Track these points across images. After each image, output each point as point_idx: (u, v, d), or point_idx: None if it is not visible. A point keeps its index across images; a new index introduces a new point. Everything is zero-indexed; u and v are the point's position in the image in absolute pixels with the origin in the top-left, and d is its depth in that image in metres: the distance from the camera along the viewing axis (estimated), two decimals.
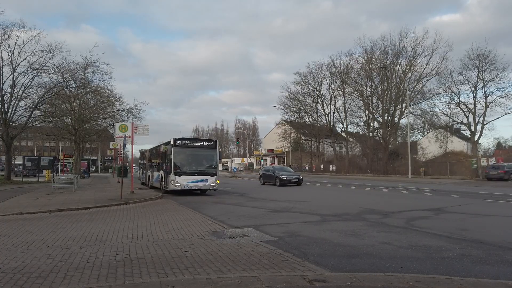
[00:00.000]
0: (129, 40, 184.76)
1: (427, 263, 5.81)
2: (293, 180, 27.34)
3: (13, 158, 40.91)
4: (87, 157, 68.52)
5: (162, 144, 20.95)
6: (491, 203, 14.79)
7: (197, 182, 18.28)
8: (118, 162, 41.69)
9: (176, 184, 17.99)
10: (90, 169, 62.26)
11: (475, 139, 41.90)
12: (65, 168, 46.05)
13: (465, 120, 42.66)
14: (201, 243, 7.05)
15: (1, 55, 29.04)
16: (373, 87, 52.31)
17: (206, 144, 19.59)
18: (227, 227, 9.00)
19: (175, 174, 18.04)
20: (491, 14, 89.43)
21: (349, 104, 56.19)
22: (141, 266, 5.40)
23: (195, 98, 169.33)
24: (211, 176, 18.67)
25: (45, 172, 36.04)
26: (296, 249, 6.65)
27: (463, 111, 42.34)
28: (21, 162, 39.39)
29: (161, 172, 20.60)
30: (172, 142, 18.34)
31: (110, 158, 71.86)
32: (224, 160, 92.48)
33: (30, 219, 10.81)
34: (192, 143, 19.46)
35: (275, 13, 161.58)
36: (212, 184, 18.62)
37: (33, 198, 16.90)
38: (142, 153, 31.08)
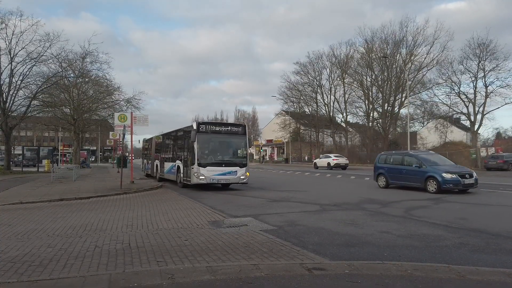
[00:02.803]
0: (130, 28, 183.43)
1: (426, 251, 5.84)
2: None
3: (12, 148, 40.91)
4: (86, 147, 68.42)
5: (181, 129, 18.17)
6: (490, 193, 14.83)
7: (224, 174, 15.50)
8: (118, 152, 41.71)
9: (200, 177, 15.11)
10: (90, 159, 62.29)
11: (475, 129, 41.87)
12: (64, 158, 46.11)
13: (465, 110, 42.58)
14: (201, 232, 7.08)
15: None
16: (373, 77, 52.09)
17: (234, 129, 16.62)
18: (227, 217, 9.04)
19: (199, 165, 15.18)
20: (497, 2, 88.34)
21: (349, 94, 56.03)
22: (141, 255, 5.42)
23: (196, 88, 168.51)
24: (240, 167, 15.84)
25: (44, 162, 36.06)
26: (295, 238, 6.68)
27: (463, 101, 42.23)
28: (20, 152, 39.37)
29: (178, 163, 17.82)
30: (195, 127, 15.44)
31: (110, 148, 71.99)
32: None
33: (30, 208, 10.84)
34: (218, 128, 16.31)
35: (278, 1, 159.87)
36: (241, 177, 15.75)
37: (33, 188, 16.94)
38: (147, 141, 28.53)
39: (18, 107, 31.56)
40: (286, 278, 4.30)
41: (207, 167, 15.26)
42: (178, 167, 17.68)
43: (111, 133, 33.01)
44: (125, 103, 36.68)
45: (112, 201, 12.49)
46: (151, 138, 25.81)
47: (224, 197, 13.61)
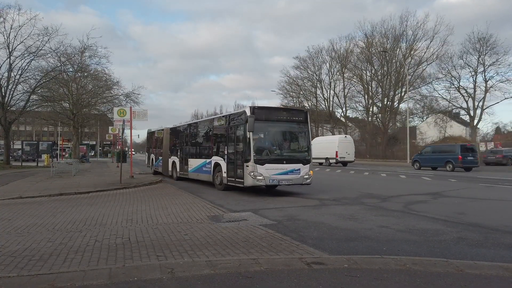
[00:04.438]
0: (129, 22, 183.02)
1: (424, 246, 5.87)
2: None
3: (12, 143, 40.89)
4: (86, 142, 68.44)
5: (222, 116, 14.68)
6: (489, 187, 14.88)
7: (286, 173, 12.21)
8: (117, 147, 41.69)
9: (258, 178, 11.76)
10: (89, 154, 62.31)
11: (474, 124, 41.94)
12: (64, 153, 46.10)
13: (464, 105, 42.68)
14: (201, 227, 7.10)
15: None
16: (372, 71, 52.04)
17: (295, 116, 13.15)
18: (226, 211, 9.06)
19: (256, 162, 11.82)
20: None
21: (349, 89, 56.02)
22: (141, 249, 5.44)
23: (196, 83, 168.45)
24: (304, 164, 12.59)
25: (44, 156, 36.06)
26: (294, 232, 6.70)
27: (463, 96, 42.29)
28: (20, 146, 39.37)
29: (216, 160, 14.31)
30: (248, 113, 12.06)
31: (109, 143, 71.92)
32: None
33: (30, 203, 10.85)
34: (277, 115, 12.96)
35: None
36: (305, 177, 12.48)
37: (33, 182, 16.95)
38: (154, 133, 24.57)
39: (17, 102, 31.56)
40: (286, 273, 4.32)
41: (266, 165, 11.89)
42: (216, 164, 14.26)
43: (110, 127, 32.93)
44: (124, 98, 36.66)
45: (112, 196, 12.50)
46: (162, 130, 22.22)
47: (223, 191, 13.61)
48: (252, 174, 11.79)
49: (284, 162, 12.33)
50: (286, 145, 13.03)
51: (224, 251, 5.33)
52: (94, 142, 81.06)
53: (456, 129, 51.15)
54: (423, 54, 47.26)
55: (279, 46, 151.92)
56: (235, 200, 11.17)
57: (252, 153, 11.81)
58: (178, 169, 18.67)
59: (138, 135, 50.33)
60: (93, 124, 52.94)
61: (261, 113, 12.35)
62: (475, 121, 41.69)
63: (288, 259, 4.87)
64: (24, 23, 28.45)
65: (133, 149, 37.37)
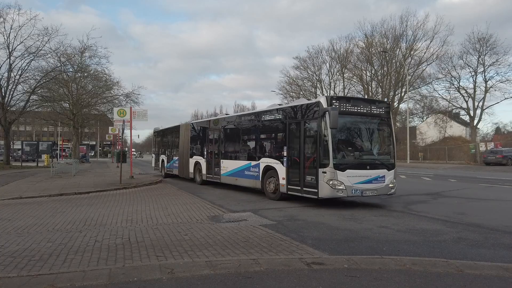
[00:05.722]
0: (130, 22, 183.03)
1: (424, 246, 5.87)
2: None
3: (12, 143, 40.89)
4: (86, 142, 68.42)
5: (280, 108, 11.75)
6: (489, 188, 14.88)
7: (370, 181, 9.77)
8: (117, 147, 41.68)
9: (338, 188, 9.33)
10: (89, 154, 62.30)
11: (474, 124, 41.95)
12: (64, 153, 46.12)
13: (464, 105, 42.68)
14: (200, 227, 7.10)
15: None
16: (372, 71, 52.00)
17: (378, 108, 10.57)
18: (226, 211, 9.06)
19: (337, 167, 9.37)
20: None
21: (349, 89, 55.87)
22: (140, 250, 5.44)
23: (196, 83, 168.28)
24: (388, 169, 10.20)
25: (44, 157, 36.08)
26: (294, 232, 6.70)
27: (463, 96, 42.30)
28: (20, 147, 39.38)
29: (268, 162, 11.65)
30: (324, 104, 9.59)
31: (109, 143, 71.92)
32: None
33: (30, 203, 10.85)
34: (358, 107, 10.19)
35: None
36: (390, 185, 10.13)
37: (33, 182, 16.95)
38: (162, 131, 22.32)
39: (17, 102, 31.64)
40: (285, 273, 4.33)
41: (347, 171, 9.46)
42: (268, 168, 11.62)
43: (110, 128, 32.95)
44: (124, 98, 36.70)
45: (112, 196, 12.50)
46: (176, 127, 19.88)
47: (223, 192, 13.61)
48: (330, 182, 9.30)
49: (368, 167, 9.89)
50: (368, 145, 10.58)
51: (224, 251, 5.33)
52: (94, 142, 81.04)
53: (456, 129, 51.17)
54: (423, 54, 47.22)
55: (281, 46, 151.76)
56: (235, 200, 11.16)
57: (331, 156, 9.34)
58: (204, 172, 15.98)
59: (138, 135, 50.37)
60: (93, 124, 52.95)
61: (344, 105, 9.93)
62: (475, 121, 41.71)
63: (288, 259, 4.87)
64: (24, 23, 28.59)
65: (133, 149, 37.34)
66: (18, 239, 6.26)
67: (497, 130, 55.07)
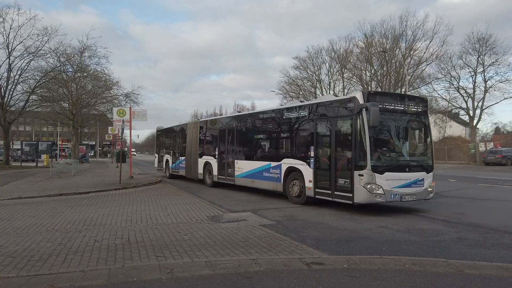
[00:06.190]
0: (130, 22, 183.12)
1: (424, 246, 5.87)
2: None
3: (11, 143, 40.87)
4: (85, 142, 68.36)
5: (304, 105, 10.96)
6: (488, 188, 14.89)
7: (409, 185, 9.01)
8: (117, 147, 41.65)
9: (376, 192, 8.55)
10: (89, 154, 62.26)
11: (474, 124, 41.92)
12: (63, 153, 46.09)
13: (464, 105, 42.62)
14: (200, 227, 7.09)
15: None
16: (372, 71, 52.01)
17: (416, 105, 9.70)
18: (226, 212, 9.06)
19: (375, 169, 8.58)
20: None
21: (348, 89, 55.81)
22: (140, 250, 5.44)
23: (196, 82, 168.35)
24: (427, 172, 9.42)
25: (43, 157, 36.05)
26: (294, 232, 6.70)
27: (462, 96, 42.26)
28: (19, 147, 39.37)
29: (291, 163, 10.82)
30: (361, 100, 8.78)
31: (109, 143, 71.86)
32: None
33: (29, 203, 10.84)
34: (395, 104, 9.34)
35: None
36: (429, 189, 9.39)
37: (32, 182, 16.94)
38: (166, 130, 21.44)
39: (17, 102, 31.63)
40: (285, 273, 4.32)
41: (385, 173, 8.68)
42: (291, 169, 10.78)
43: (110, 128, 32.93)
44: (124, 98, 36.66)
45: (111, 196, 12.50)
46: (183, 125, 19.03)
47: (223, 192, 13.61)
48: (368, 186, 8.50)
49: (407, 169, 9.13)
50: (406, 146, 9.79)
51: (224, 252, 5.33)
52: (94, 142, 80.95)
53: (455, 129, 51.14)
54: (422, 54, 47.21)
55: (281, 46, 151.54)
56: (234, 200, 11.16)
57: (369, 157, 8.51)
58: (215, 173, 15.01)
59: (138, 135, 50.34)
60: (92, 124, 52.91)
61: (383, 102, 9.05)
62: (475, 121, 41.68)
63: (287, 259, 4.87)
64: (24, 23, 28.58)
65: (133, 149, 37.28)
66: (18, 239, 6.25)
67: (497, 130, 55.08)
